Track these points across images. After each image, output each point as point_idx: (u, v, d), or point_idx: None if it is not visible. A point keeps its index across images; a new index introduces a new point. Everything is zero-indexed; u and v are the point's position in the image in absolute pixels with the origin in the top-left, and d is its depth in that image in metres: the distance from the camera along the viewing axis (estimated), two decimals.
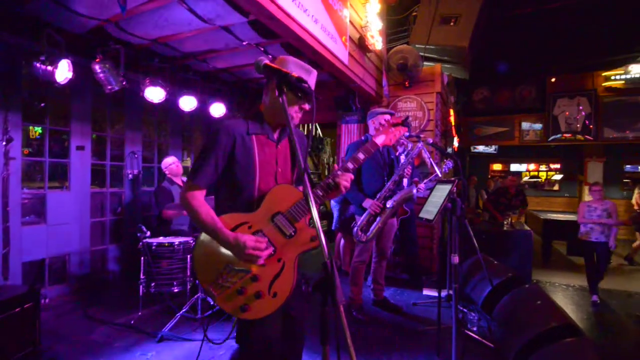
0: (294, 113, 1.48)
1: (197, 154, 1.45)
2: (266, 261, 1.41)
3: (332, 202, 4.81)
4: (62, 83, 3.07)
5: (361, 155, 1.58)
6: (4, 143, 3.24)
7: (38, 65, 2.92)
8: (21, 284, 3.32)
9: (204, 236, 1.44)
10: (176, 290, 3.36)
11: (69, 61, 3.07)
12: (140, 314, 3.19)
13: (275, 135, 1.56)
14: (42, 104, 3.56)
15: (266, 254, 1.39)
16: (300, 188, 1.53)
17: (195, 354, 2.63)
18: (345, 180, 1.51)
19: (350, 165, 1.58)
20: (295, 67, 1.44)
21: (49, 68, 2.95)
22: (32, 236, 3.52)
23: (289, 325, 1.57)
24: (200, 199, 1.42)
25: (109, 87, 3.37)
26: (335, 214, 4.68)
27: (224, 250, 1.40)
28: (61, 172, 3.99)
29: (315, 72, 1.50)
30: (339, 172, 1.53)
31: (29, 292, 2.52)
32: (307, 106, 1.49)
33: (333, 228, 4.74)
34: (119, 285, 4.21)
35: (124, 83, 3.41)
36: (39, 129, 4.45)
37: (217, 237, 1.38)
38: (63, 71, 3.04)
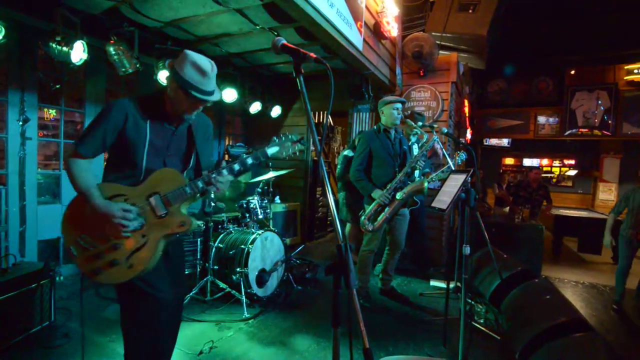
0: (186, 109, 1.55)
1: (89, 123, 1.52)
2: (131, 233, 1.49)
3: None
4: (77, 64, 3.09)
5: (250, 161, 1.64)
6: (20, 123, 3.29)
7: (54, 45, 2.93)
8: (37, 261, 3.42)
9: (76, 199, 1.52)
10: (186, 272, 3.41)
11: (84, 42, 3.07)
12: None
13: (175, 123, 1.61)
14: (58, 86, 3.59)
15: (133, 225, 1.48)
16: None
17: (204, 335, 2.69)
18: (221, 183, 1.58)
19: (237, 166, 1.62)
20: (190, 67, 1.48)
21: (65, 49, 2.96)
22: (47, 215, 3.60)
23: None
24: (82, 166, 1.48)
25: (123, 69, 3.38)
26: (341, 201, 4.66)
27: (92, 215, 1.46)
28: None
29: (211, 76, 1.53)
30: (223, 171, 1.60)
31: (45, 269, 2.59)
32: (200, 106, 1.57)
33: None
34: None
35: (137, 66, 3.41)
36: (53, 112, 4.51)
37: (88, 202, 1.44)
38: (78, 52, 3.05)
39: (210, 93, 1.55)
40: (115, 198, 1.49)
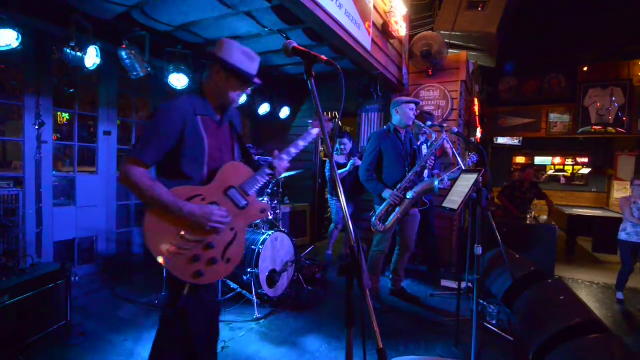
0: (237, 97, 1.60)
1: (145, 129, 1.45)
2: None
3: (329, 196, 4.79)
4: (91, 69, 3.16)
5: (301, 143, 1.77)
6: (36, 127, 3.37)
7: (68, 51, 3.00)
8: (53, 262, 3.49)
9: (152, 212, 1.42)
10: None
11: (97, 47, 3.14)
12: (164, 294, 3.30)
13: (218, 117, 1.63)
14: (72, 90, 3.67)
15: (227, 223, 1.50)
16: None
17: None
18: (282, 168, 1.70)
19: (293, 150, 1.75)
20: (239, 53, 1.53)
21: (79, 54, 3.03)
22: (62, 217, 3.68)
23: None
24: (149, 176, 1.41)
25: (135, 73, 3.44)
26: (333, 207, 4.65)
27: (177, 221, 1.41)
28: (88, 157, 4.14)
29: (258, 59, 1.61)
30: (283, 156, 1.71)
31: (61, 270, 2.64)
32: (248, 90, 1.65)
33: (333, 220, 4.72)
34: (144, 266, 4.35)
35: (149, 69, 3.46)
36: (66, 115, 4.61)
37: (179, 211, 1.38)
38: (92, 57, 3.12)
39: (256, 76, 1.60)
40: (193, 199, 1.46)
